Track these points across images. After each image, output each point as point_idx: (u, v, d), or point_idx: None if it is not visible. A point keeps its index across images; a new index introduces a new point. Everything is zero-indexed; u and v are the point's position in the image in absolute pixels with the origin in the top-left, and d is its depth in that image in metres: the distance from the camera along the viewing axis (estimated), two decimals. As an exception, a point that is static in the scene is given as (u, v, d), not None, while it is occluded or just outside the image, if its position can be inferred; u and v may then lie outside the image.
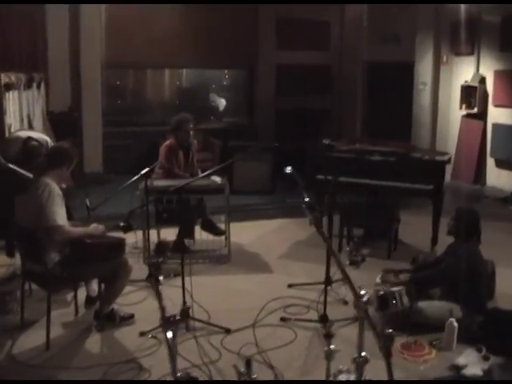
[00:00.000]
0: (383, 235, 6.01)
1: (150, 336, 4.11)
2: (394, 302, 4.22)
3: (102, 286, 4.23)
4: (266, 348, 3.98)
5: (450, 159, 6.19)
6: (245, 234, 6.38)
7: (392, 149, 6.36)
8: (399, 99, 9.56)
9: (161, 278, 2.94)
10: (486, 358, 3.80)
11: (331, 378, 3.15)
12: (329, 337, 3.05)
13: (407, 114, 9.57)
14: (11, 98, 6.01)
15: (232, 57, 10.17)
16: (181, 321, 4.23)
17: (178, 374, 2.60)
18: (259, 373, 3.63)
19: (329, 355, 3.02)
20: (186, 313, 4.32)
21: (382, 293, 4.30)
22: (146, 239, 5.38)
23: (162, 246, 5.73)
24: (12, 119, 5.96)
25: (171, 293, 4.80)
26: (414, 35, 9.32)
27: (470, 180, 8.89)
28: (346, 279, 2.67)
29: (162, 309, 2.57)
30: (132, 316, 4.39)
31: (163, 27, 9.57)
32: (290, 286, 5.06)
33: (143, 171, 5.00)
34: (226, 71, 12.48)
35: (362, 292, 2.56)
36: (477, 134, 8.94)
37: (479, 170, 8.99)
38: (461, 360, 3.81)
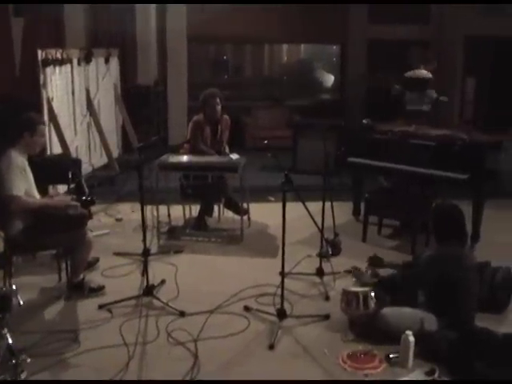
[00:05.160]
0: (422, 227, 5.30)
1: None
2: (357, 303, 3.70)
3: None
4: (209, 336, 3.71)
5: (498, 144, 5.22)
6: (276, 215, 6.01)
7: (444, 132, 5.57)
8: (502, 79, 8.35)
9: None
10: (432, 384, 3.15)
11: None
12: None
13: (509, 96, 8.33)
14: (57, 73, 6.20)
15: (323, 32, 9.59)
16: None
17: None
18: (179, 360, 3.43)
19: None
20: (149, 290, 4.19)
21: (346, 290, 3.80)
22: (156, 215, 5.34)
23: (173, 229, 5.68)
24: (54, 92, 6.17)
25: (160, 268, 4.75)
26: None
27: None
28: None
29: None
30: (102, 288, 4.34)
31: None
32: (280, 273, 4.66)
33: (138, 145, 4.88)
34: (334, 47, 11.93)
35: None
36: None
37: None
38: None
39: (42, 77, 5.91)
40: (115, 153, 8.12)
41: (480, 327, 3.54)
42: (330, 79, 12.05)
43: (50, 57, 5.90)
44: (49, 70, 5.98)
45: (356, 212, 6.14)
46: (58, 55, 6.08)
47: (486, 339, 3.38)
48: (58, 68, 6.11)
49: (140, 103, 8.59)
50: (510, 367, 3.13)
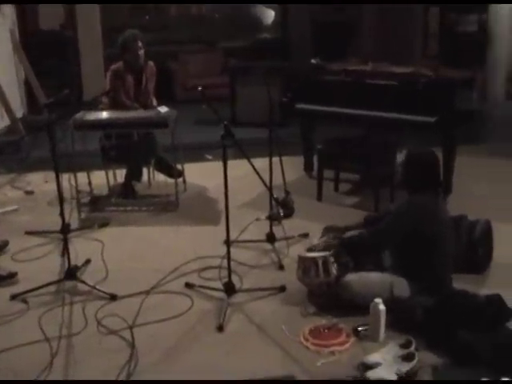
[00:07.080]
0: (383, 181, 5.31)
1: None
2: (316, 270, 3.67)
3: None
4: (147, 321, 3.62)
5: (470, 82, 5.26)
6: (216, 175, 5.95)
7: (406, 70, 5.56)
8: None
9: None
10: (408, 358, 3.14)
11: None
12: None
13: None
14: None
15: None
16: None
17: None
18: (113, 352, 3.33)
19: None
20: (71, 273, 4.04)
21: (302, 256, 3.77)
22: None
23: (95, 199, 5.55)
24: None
25: (83, 246, 4.68)
26: None
27: None
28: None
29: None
30: (14, 275, 4.18)
31: None
32: (225, 242, 4.58)
33: (46, 101, 4.66)
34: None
35: None
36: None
37: None
38: (373, 357, 3.17)
39: None
40: (19, 112, 7.87)
41: (458, 290, 3.57)
42: (269, 15, 11.92)
43: None
44: None
45: (308, 167, 6.16)
46: None
47: (466, 303, 3.40)
48: None
49: (45, 52, 8.37)
50: (493, 333, 3.18)
